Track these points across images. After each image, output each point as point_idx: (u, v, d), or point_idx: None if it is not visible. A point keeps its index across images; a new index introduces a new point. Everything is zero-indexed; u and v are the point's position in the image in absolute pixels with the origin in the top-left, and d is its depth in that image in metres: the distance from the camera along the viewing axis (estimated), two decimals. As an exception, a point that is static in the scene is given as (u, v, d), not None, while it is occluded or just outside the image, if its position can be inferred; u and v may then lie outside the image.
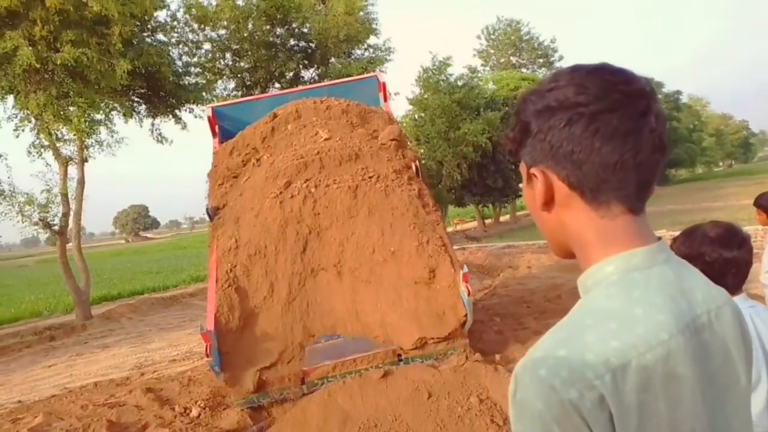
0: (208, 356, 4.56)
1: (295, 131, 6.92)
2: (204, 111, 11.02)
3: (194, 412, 4.88)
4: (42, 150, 12.85)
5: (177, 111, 15.09)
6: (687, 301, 0.80)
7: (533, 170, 0.85)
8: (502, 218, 34.38)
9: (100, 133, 12.80)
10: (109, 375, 7.93)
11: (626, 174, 0.79)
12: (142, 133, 16.28)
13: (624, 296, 0.78)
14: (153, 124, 15.07)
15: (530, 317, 7.45)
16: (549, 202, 0.86)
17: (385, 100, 8.12)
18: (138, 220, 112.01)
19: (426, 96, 24.74)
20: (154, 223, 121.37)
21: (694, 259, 1.68)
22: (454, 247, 5.12)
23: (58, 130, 12.32)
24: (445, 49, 67.60)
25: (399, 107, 26.92)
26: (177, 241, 72.05)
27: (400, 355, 4.96)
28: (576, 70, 0.82)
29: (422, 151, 24.60)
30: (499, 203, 30.15)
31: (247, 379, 4.73)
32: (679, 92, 56.20)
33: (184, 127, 15.62)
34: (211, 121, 7.61)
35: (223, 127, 7.63)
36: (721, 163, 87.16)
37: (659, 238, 0.85)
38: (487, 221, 32.11)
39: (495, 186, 26.20)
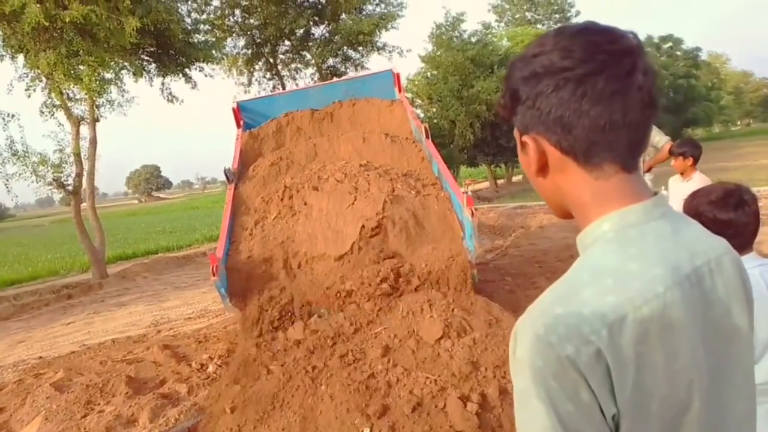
0: (214, 275, 4.74)
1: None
2: (213, 70, 13.83)
3: (210, 368, 4.96)
4: (54, 110, 12.85)
5: (187, 70, 14.94)
6: (685, 254, 0.82)
7: (525, 138, 0.87)
8: (514, 178, 34.13)
9: (110, 92, 12.74)
10: (126, 332, 8.07)
11: (617, 134, 0.80)
12: (152, 93, 16.19)
13: (620, 253, 0.79)
14: (163, 83, 14.95)
15: (542, 277, 7.45)
16: (543, 168, 0.88)
17: (400, 91, 8.41)
18: (150, 180, 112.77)
19: (439, 53, 24.29)
20: (166, 183, 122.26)
21: (696, 219, 1.72)
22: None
23: (69, 90, 12.28)
24: (458, 5, 65.21)
25: (411, 65, 26.51)
26: (189, 201, 72.49)
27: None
28: (560, 33, 0.82)
29: (434, 110, 24.32)
30: (512, 163, 29.90)
31: (252, 305, 4.88)
32: (698, 49, 54.63)
33: (195, 86, 15.52)
34: (236, 114, 8.31)
35: (246, 120, 8.30)
36: (739, 122, 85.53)
37: (656, 194, 0.86)
38: (499, 182, 31.91)
39: (508, 146, 25.88)
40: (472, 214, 4.88)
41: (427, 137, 6.62)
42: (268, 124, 8.02)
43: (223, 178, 6.95)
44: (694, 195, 1.99)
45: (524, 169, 0.93)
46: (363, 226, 5.37)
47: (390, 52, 21.31)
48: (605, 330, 0.72)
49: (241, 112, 8.36)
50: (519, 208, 15.65)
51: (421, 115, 25.27)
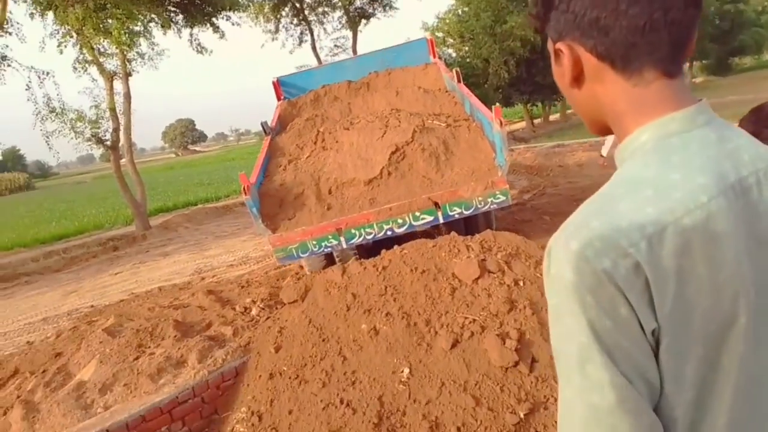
0: (245, 194, 4.98)
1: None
2: (240, 18, 14.21)
3: (254, 311, 5.09)
4: (86, 65, 12.98)
5: (214, 19, 14.81)
6: (731, 163, 0.76)
7: (559, 45, 0.81)
8: (551, 117, 33.24)
9: (140, 45, 12.78)
10: (171, 280, 8.34)
11: (657, 35, 0.74)
12: (182, 46, 16.13)
13: (661, 162, 0.75)
14: (191, 34, 14.89)
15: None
16: (578, 77, 0.82)
17: (434, 56, 8.58)
18: (186, 134, 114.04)
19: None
20: (202, 137, 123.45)
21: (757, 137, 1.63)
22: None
23: (99, 44, 12.34)
24: None
25: (441, 2, 25.50)
26: (225, 154, 73.28)
27: (437, 203, 5.01)
28: None
29: (467, 48, 23.62)
30: (549, 101, 29.06)
31: (286, 229, 5.12)
32: (749, -30, 51.21)
33: (222, 35, 15.42)
34: (276, 88, 8.79)
35: (285, 95, 8.73)
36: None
37: (700, 100, 0.80)
38: (536, 121, 31.15)
39: (545, 83, 25.02)
40: (501, 124, 4.86)
41: (459, 81, 6.64)
42: (306, 95, 8.34)
43: (257, 129, 7.48)
44: (756, 113, 1.90)
45: (558, 82, 0.88)
46: (393, 152, 5.42)
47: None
48: (644, 242, 0.68)
49: (281, 87, 8.80)
50: (557, 147, 15.31)
51: (453, 55, 24.62)
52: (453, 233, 4.67)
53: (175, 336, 4.71)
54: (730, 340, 0.72)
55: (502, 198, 5.04)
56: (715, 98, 27.77)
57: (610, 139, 6.28)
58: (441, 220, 5.09)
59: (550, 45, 0.86)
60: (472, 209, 5.05)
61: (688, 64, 51.79)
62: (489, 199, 5.04)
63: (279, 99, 8.65)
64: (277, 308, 5.08)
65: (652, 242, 0.68)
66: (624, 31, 0.74)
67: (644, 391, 0.70)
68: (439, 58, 8.69)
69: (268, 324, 4.61)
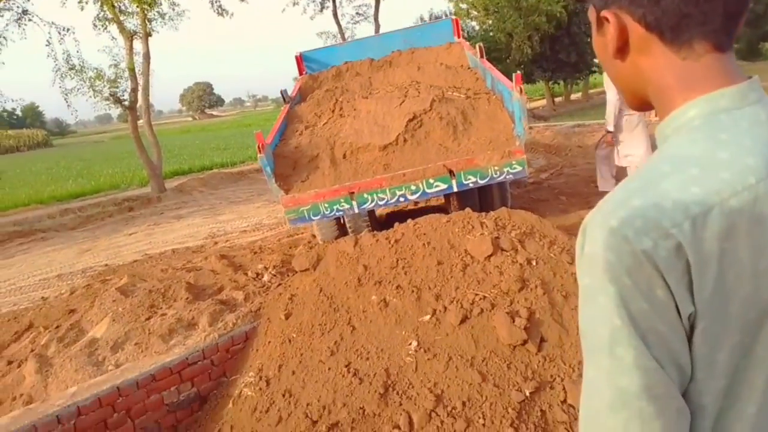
0: (260, 152, 5.00)
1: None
2: None
3: (266, 278, 5.12)
4: (107, 23, 12.93)
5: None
6: None
7: (604, 13, 0.77)
8: (572, 96, 32.71)
9: (161, 4, 12.67)
10: (185, 243, 8.41)
11: (711, 5, 0.70)
12: (203, 7, 15.99)
13: (708, 140, 0.71)
14: (213, -6, 14.74)
15: (598, 197, 7.19)
16: (623, 49, 0.78)
17: (458, 36, 8.46)
18: (203, 98, 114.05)
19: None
20: (219, 101, 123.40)
21: None
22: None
23: (120, 2, 12.26)
24: None
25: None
26: (242, 119, 73.21)
27: (451, 170, 4.97)
28: None
29: (491, 22, 23.17)
30: (571, 80, 28.56)
31: (298, 191, 5.16)
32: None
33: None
34: (299, 62, 8.76)
35: (308, 71, 8.70)
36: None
37: (750, 77, 0.75)
38: (557, 99, 30.67)
39: (568, 61, 24.59)
40: (521, 92, 4.82)
41: (481, 57, 6.58)
42: (328, 70, 8.29)
43: (274, 96, 7.48)
44: None
45: (598, 53, 0.84)
46: (410, 120, 5.39)
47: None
48: (688, 223, 0.65)
49: (303, 61, 8.78)
50: (577, 127, 15.07)
51: (476, 28, 24.19)
52: (467, 209, 4.63)
53: (187, 298, 4.76)
54: (766, 329, 0.70)
55: (519, 168, 4.97)
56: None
57: (611, 114, 6.25)
58: (455, 189, 5.03)
59: (591, 14, 0.82)
60: (488, 178, 4.99)
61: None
62: (505, 169, 4.97)
63: (301, 73, 8.66)
64: (288, 276, 5.10)
65: (696, 223, 0.66)
66: (677, 0, 0.71)
67: (675, 377, 0.68)
68: (464, 35, 8.62)
69: (279, 291, 4.64)
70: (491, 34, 22.48)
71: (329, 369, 3.55)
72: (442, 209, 6.24)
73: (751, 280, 0.68)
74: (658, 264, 0.65)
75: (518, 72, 5.03)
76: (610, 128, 6.41)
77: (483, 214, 4.55)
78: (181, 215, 11.30)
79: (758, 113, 0.73)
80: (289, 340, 3.90)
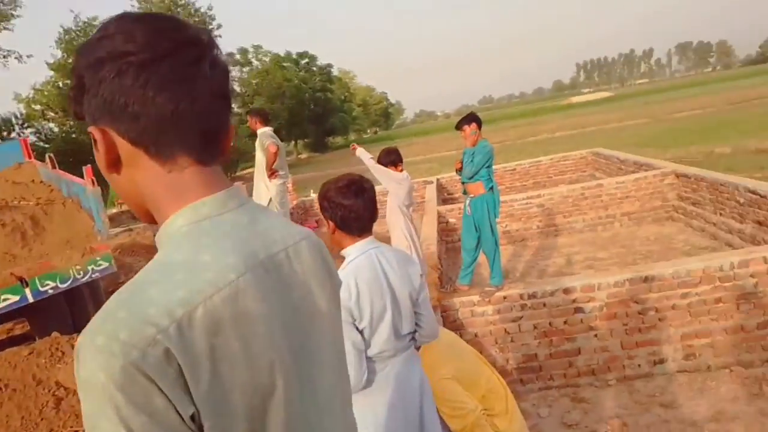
0: None
1: None
2: None
3: None
4: None
5: None
6: (262, 241, 0.82)
7: (92, 129, 0.79)
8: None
9: None
10: None
11: (187, 123, 0.77)
12: None
13: (192, 246, 0.76)
14: None
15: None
16: (116, 163, 0.80)
17: (29, 157, 7.69)
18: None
19: (71, 60, 21.71)
20: None
21: (327, 202, 2.13)
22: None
23: None
24: (90, 7, 54.22)
25: (36, 72, 22.67)
26: None
27: (22, 278, 4.32)
28: (123, 17, 0.78)
29: (71, 123, 21.75)
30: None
31: None
32: (330, 65, 61.21)
33: None
34: None
35: None
36: (368, 131, 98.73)
37: (232, 186, 0.84)
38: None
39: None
40: (93, 183, 4.75)
41: (54, 168, 6.23)
42: None
43: None
44: (325, 186, 2.20)
45: (100, 168, 0.84)
46: None
47: (5, 56, 18.25)
48: (173, 327, 0.67)
49: None
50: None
51: (56, 130, 22.34)
52: (55, 334, 4.07)
53: None
54: (271, 410, 0.75)
55: (105, 264, 4.68)
56: (317, 171, 31.91)
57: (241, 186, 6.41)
58: (31, 299, 4.35)
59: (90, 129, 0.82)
60: (70, 280, 4.51)
61: (293, 143, 58.58)
62: (89, 267, 4.61)
63: None
64: None
65: (182, 325, 0.67)
66: (153, 119, 0.75)
67: None
68: (43, 137, 7.95)
69: None
70: (74, 135, 21.07)
71: None
72: (29, 336, 5.34)
73: (246, 369, 0.72)
74: (149, 373, 0.64)
75: (89, 166, 4.81)
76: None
77: (75, 335, 4.07)
78: None
79: (239, 217, 0.81)
80: None
